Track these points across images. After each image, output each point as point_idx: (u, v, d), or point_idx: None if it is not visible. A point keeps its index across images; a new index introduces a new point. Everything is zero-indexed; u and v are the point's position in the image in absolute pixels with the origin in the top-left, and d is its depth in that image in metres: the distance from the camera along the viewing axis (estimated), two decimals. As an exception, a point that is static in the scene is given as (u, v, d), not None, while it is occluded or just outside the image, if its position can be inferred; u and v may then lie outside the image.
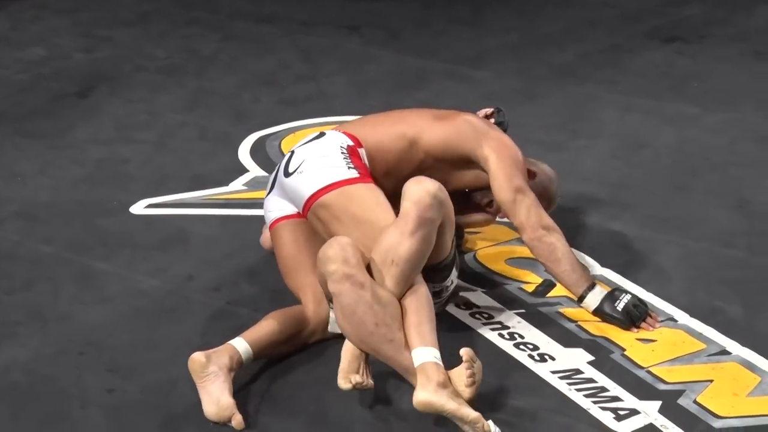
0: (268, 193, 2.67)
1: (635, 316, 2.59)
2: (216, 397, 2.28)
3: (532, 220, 2.62)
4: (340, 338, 2.53)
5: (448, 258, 2.52)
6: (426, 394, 2.22)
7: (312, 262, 2.51)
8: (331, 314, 2.46)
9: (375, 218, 2.44)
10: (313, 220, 2.53)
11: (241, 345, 2.39)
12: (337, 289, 2.31)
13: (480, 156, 2.67)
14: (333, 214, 2.47)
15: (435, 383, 2.22)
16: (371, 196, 2.49)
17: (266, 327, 2.45)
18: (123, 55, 4.64)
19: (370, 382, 2.30)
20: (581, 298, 2.63)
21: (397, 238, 2.36)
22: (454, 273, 2.58)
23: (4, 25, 5.02)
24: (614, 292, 2.63)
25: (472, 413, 2.20)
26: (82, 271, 2.92)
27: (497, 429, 2.22)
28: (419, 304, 2.35)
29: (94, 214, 3.24)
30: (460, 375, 2.27)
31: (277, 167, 2.67)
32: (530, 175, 2.76)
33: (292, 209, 2.61)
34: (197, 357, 2.31)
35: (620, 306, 2.59)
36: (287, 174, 2.58)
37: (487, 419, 2.21)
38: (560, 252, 2.62)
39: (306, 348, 2.52)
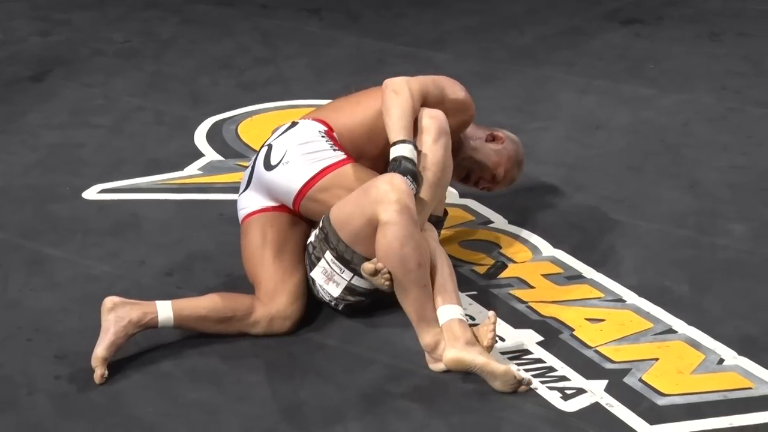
0: (243, 191, 2.66)
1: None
2: (98, 344, 2.37)
3: (395, 80, 2.58)
4: (298, 334, 2.52)
5: (443, 217, 2.66)
6: (455, 352, 2.30)
7: (277, 256, 2.54)
8: (315, 274, 2.49)
9: None
10: (310, 205, 2.54)
11: (163, 308, 2.44)
12: (394, 218, 2.35)
13: None
14: (334, 194, 2.49)
15: (463, 341, 2.31)
16: (367, 173, 2.53)
17: (201, 301, 2.48)
18: (80, 39, 4.59)
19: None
20: (393, 144, 2.51)
21: (423, 148, 2.50)
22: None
23: (-42, 9, 4.95)
24: (402, 161, 2.46)
25: (500, 366, 2.29)
26: (32, 257, 2.90)
27: (527, 375, 2.29)
28: (443, 264, 2.44)
29: (46, 200, 3.21)
30: (483, 334, 2.36)
31: (251, 164, 2.66)
32: (497, 138, 2.84)
33: (266, 203, 2.61)
34: (107, 300, 2.41)
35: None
36: (270, 167, 2.57)
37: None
38: (396, 106, 2.52)
39: (246, 336, 2.51)
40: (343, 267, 2.46)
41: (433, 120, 2.54)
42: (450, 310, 2.37)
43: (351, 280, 2.47)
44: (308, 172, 2.52)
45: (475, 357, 2.29)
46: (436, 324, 2.38)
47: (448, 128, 2.57)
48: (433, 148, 2.52)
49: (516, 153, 2.86)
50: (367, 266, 2.39)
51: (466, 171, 2.84)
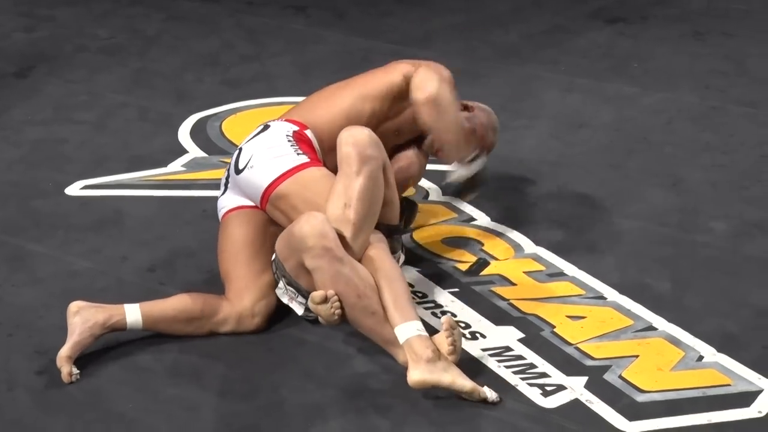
0: (222, 194, 2.67)
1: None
2: (63, 345, 2.36)
3: (427, 87, 2.68)
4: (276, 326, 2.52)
5: (400, 224, 2.59)
6: (419, 373, 2.26)
7: (250, 255, 2.54)
8: (279, 293, 2.49)
9: None
10: (273, 211, 2.55)
11: (132, 311, 2.44)
12: (316, 264, 2.33)
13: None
14: (291, 203, 2.49)
15: (425, 360, 2.27)
16: (324, 179, 2.51)
17: (170, 303, 2.48)
18: (64, 35, 4.57)
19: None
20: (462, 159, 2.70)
21: (345, 181, 2.41)
22: (402, 249, 2.63)
23: (-59, 5, 4.93)
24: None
25: (467, 384, 2.26)
26: (14, 253, 2.89)
27: (494, 394, 2.27)
28: (392, 279, 2.39)
29: (29, 196, 3.20)
30: (441, 343, 2.31)
31: (228, 167, 2.67)
32: (468, 108, 2.88)
33: (244, 202, 2.61)
34: (72, 304, 2.42)
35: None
36: (238, 171, 2.59)
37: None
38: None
39: (216, 335, 2.51)
40: (297, 293, 2.46)
41: (353, 147, 2.43)
42: (407, 328, 2.32)
43: (306, 303, 2.47)
44: (269, 176, 2.53)
45: (440, 377, 2.26)
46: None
47: (372, 150, 2.43)
48: (357, 180, 2.41)
49: (488, 119, 2.89)
50: (316, 295, 2.35)
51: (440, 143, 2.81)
